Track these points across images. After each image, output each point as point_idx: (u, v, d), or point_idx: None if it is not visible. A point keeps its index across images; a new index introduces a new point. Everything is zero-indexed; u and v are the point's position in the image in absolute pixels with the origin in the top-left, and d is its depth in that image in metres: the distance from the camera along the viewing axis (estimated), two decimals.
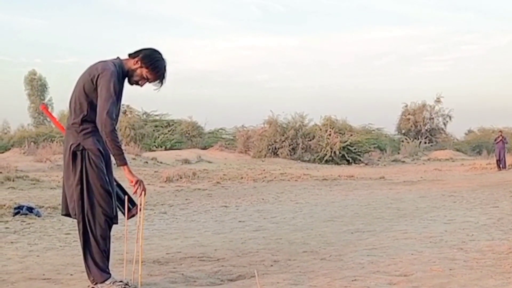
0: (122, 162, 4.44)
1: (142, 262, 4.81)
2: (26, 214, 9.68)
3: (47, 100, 56.59)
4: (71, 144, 4.51)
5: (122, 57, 4.72)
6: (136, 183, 4.57)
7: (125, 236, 5.13)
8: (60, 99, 65.51)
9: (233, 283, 5.07)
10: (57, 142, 29.13)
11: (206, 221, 9.45)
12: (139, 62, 4.62)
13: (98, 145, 4.53)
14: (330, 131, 34.87)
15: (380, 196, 13.68)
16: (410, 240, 7.21)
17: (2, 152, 30.36)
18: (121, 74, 4.58)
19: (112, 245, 7.08)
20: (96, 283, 4.59)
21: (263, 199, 13.32)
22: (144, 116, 39.24)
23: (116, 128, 4.44)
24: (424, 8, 76.88)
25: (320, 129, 35.82)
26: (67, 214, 4.69)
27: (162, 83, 4.73)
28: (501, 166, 26.75)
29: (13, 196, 12.96)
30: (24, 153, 26.97)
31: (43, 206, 10.71)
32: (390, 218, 9.51)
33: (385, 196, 13.81)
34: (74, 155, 4.50)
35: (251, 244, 7.10)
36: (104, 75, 4.42)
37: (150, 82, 4.71)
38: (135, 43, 76.39)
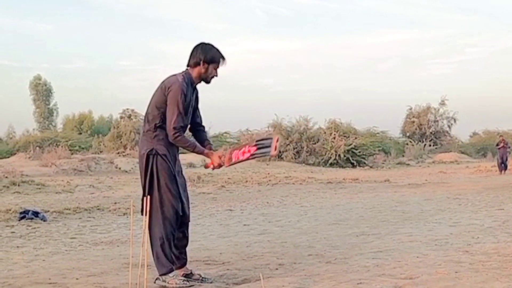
0: (199, 152, 5.14)
1: (147, 266, 4.82)
2: (32, 218, 9.71)
3: (52, 105, 56.82)
4: (146, 149, 5.00)
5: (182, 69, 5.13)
6: (216, 164, 5.13)
7: (130, 240, 5.14)
8: (65, 104, 65.78)
9: (238, 287, 5.07)
10: (62, 146, 29.20)
11: (211, 225, 9.46)
12: (205, 64, 5.06)
13: (169, 149, 5.03)
14: (334, 134, 34.85)
15: (385, 199, 13.67)
16: (416, 243, 7.20)
17: (8, 157, 30.46)
18: (190, 84, 5.04)
19: (117, 249, 7.12)
20: (160, 275, 5.01)
21: (267, 202, 13.33)
22: None
23: (183, 132, 5.02)
24: (429, 11, 76.96)
25: (325, 132, 35.82)
26: None
27: (225, 60, 5.16)
28: (503, 168, 26.74)
29: (19, 200, 13.00)
30: (29, 157, 27.06)
31: (48, 211, 10.74)
32: (395, 221, 9.50)
33: (390, 199, 13.79)
34: (147, 158, 4.97)
35: (256, 247, 7.10)
36: (172, 90, 4.93)
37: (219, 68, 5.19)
38: (142, 47, 76.39)
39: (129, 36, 76.94)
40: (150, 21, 77.99)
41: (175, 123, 4.89)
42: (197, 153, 5.17)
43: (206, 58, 5.05)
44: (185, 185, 5.26)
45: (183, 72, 5.08)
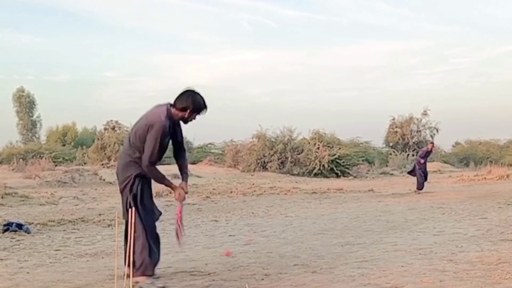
0: (167, 184, 5.83)
1: (133, 277, 4.81)
2: (16, 231, 9.64)
3: (36, 117, 56.54)
4: (134, 172, 5.65)
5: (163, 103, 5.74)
6: (177, 195, 5.86)
7: (115, 251, 5.13)
8: (49, 116, 65.37)
9: None
10: (45, 158, 29.02)
11: (197, 236, 9.44)
12: (191, 113, 5.68)
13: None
14: (318, 145, 34.93)
15: (369, 209, 13.72)
16: (400, 252, 7.24)
17: None
18: (171, 122, 5.63)
19: (102, 261, 7.09)
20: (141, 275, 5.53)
21: (253, 213, 13.32)
22: None
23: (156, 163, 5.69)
24: (413, 22, 77.32)
25: (309, 143, 35.87)
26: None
27: (207, 110, 5.81)
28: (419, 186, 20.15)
29: (2, 213, 12.90)
30: (13, 169, 26.85)
31: (32, 223, 10.67)
32: (380, 231, 9.54)
33: (374, 208, 13.84)
34: (134, 180, 5.65)
35: (241, 258, 7.11)
36: (154, 128, 5.50)
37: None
38: (127, 59, 75.92)
39: (113, 48, 76.57)
40: (135, 33, 77.83)
41: (150, 158, 5.54)
42: (165, 185, 5.84)
43: (195, 108, 5.65)
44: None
45: (166, 107, 5.63)
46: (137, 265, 5.47)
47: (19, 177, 22.91)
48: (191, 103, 5.62)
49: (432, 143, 22.85)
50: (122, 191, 5.74)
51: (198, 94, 5.69)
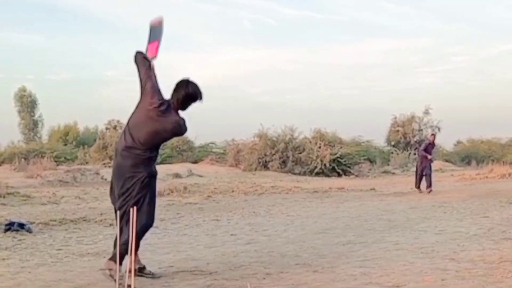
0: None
1: (135, 276, 4.81)
2: (17, 230, 9.63)
3: (37, 116, 56.57)
4: (145, 172, 5.87)
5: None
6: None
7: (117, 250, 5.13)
8: (50, 115, 65.39)
9: None
10: (47, 158, 29.04)
11: (198, 235, 9.44)
12: (187, 101, 5.94)
13: None
14: (320, 144, 34.93)
15: (371, 208, 13.71)
16: (402, 251, 7.24)
17: None
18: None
19: (104, 260, 7.08)
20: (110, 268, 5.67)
21: (254, 212, 13.32)
22: None
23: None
24: (415, 21, 77.25)
25: (310, 142, 35.87)
26: None
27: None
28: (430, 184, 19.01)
29: (4, 212, 12.90)
30: (14, 169, 26.87)
31: (34, 222, 10.66)
32: (382, 230, 9.54)
33: (376, 207, 13.84)
34: (144, 180, 5.87)
35: (243, 257, 7.11)
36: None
37: None
38: (128, 58, 75.49)
39: (115, 47, 76.33)
40: (136, 32, 77.64)
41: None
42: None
43: (190, 96, 5.93)
44: None
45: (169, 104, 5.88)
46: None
47: (21, 176, 22.94)
48: (186, 93, 5.80)
49: (433, 134, 21.84)
50: (126, 189, 5.78)
51: (192, 82, 5.85)
